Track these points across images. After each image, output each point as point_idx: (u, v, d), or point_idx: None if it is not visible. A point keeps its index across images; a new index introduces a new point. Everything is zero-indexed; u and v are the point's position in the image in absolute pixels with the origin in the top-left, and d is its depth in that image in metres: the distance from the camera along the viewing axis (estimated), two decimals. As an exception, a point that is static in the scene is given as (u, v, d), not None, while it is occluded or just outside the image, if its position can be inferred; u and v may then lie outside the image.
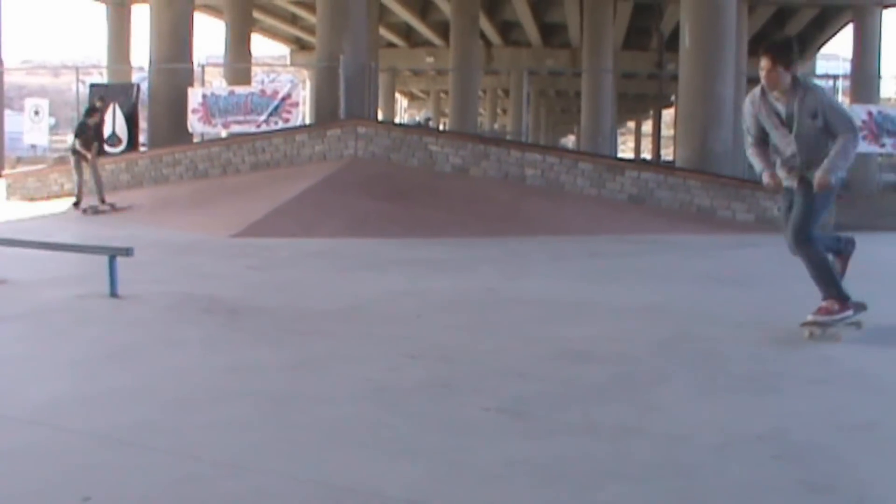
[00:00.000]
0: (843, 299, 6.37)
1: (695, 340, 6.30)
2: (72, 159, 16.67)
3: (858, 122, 17.21)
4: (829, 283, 6.38)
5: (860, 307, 6.46)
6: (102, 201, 15.89)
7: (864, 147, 17.76)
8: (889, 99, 47.40)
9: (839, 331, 6.32)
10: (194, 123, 18.91)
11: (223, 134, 19.23)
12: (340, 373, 5.26)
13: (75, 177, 16.46)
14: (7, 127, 24.28)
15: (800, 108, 6.11)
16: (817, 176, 6.11)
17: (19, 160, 26.87)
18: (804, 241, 6.27)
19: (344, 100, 17.77)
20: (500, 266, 10.37)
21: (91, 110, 16.99)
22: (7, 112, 26.28)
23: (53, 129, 29.46)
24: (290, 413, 4.42)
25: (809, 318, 6.35)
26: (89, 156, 16.17)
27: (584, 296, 8.33)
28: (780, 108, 6.24)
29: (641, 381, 5.15)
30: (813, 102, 6.09)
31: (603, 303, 7.94)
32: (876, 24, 28.87)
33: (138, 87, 20.80)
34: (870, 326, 6.56)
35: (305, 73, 40.53)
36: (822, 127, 6.09)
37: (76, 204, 16.16)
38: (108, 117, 18.99)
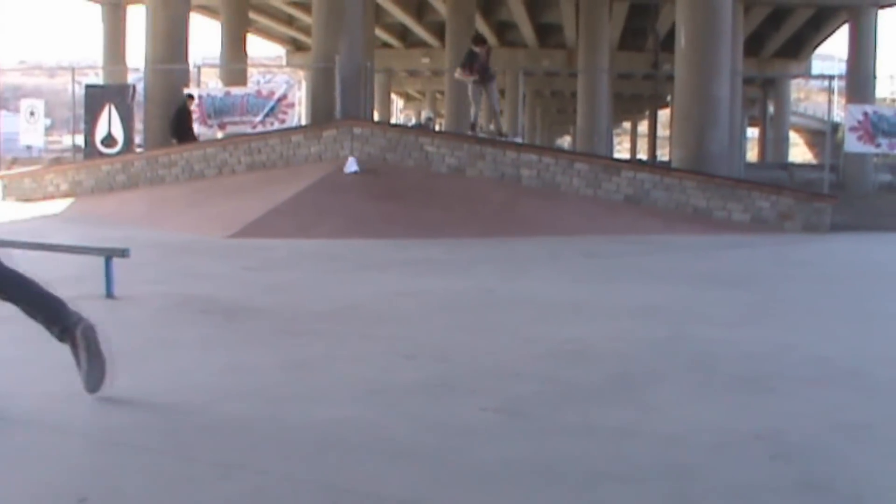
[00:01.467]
0: None
1: (691, 341, 6.31)
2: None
3: (854, 122, 17.33)
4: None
5: None
6: None
7: (859, 147, 17.83)
8: (885, 99, 47.49)
9: None
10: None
11: (219, 135, 19.22)
12: (337, 373, 5.25)
13: None
14: (2, 128, 24.26)
15: None
16: None
17: (15, 161, 26.80)
18: None
19: (340, 100, 17.78)
20: (497, 266, 10.38)
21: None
22: (2, 113, 26.29)
23: (49, 130, 29.41)
24: (287, 414, 4.41)
25: None
26: None
27: (580, 296, 8.34)
28: None
29: (638, 382, 5.15)
30: None
31: (599, 303, 7.95)
32: (871, 24, 28.90)
33: (134, 87, 20.79)
34: (866, 326, 6.56)
35: (301, 73, 40.55)
36: None
37: None
38: (103, 118, 19.00)
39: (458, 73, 16.80)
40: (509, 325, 6.85)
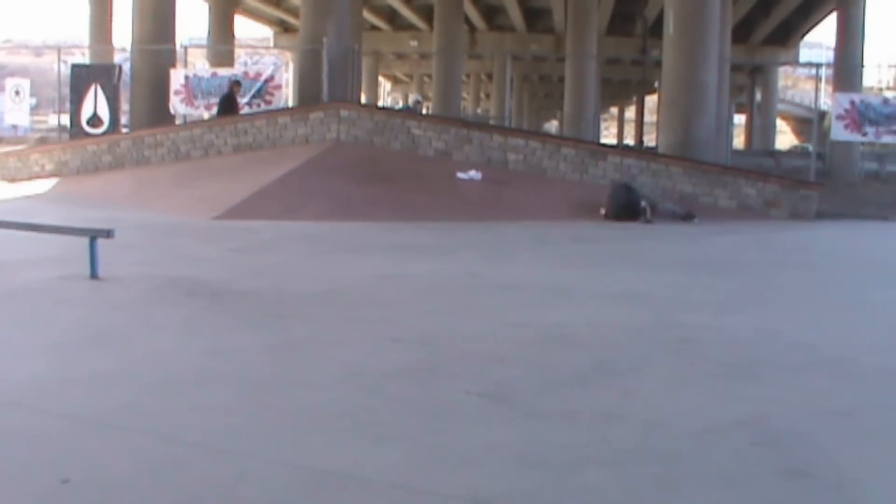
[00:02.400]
0: None
1: (675, 327, 6.33)
2: None
3: (841, 111, 17.37)
4: None
5: None
6: None
7: (846, 135, 17.88)
8: (872, 88, 47.64)
9: None
10: (177, 105, 18.83)
11: (205, 116, 19.14)
12: (322, 356, 5.26)
13: None
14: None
15: None
16: None
17: (0, 140, 26.67)
18: None
19: (327, 83, 17.71)
20: (483, 250, 10.38)
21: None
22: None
23: (35, 110, 29.23)
24: (271, 396, 4.42)
25: None
26: None
27: (565, 281, 8.35)
28: None
29: (621, 367, 5.17)
30: None
31: (584, 288, 7.96)
32: (860, 12, 28.91)
33: (120, 67, 20.65)
34: (851, 314, 6.59)
35: (289, 55, 40.35)
36: None
37: None
38: (89, 98, 18.90)
39: None
40: (495, 309, 6.86)
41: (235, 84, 18.49)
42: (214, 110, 18.51)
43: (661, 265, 9.75)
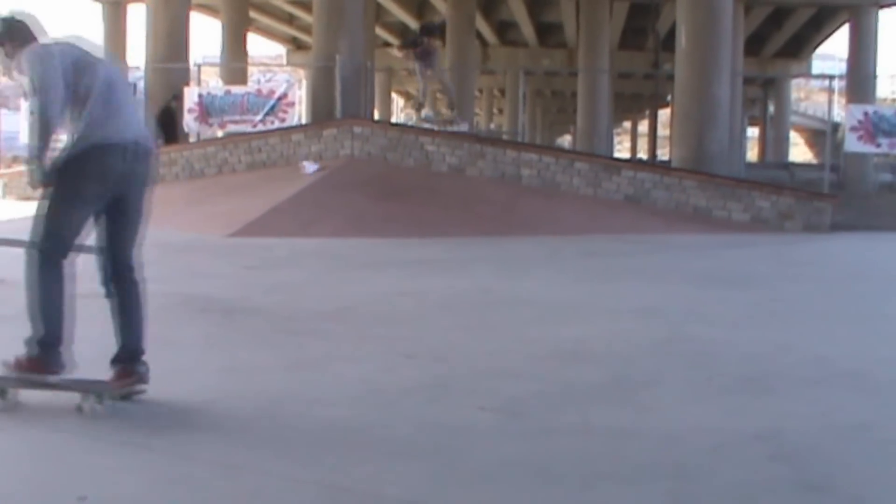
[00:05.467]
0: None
1: (690, 341, 6.31)
2: None
3: (854, 122, 17.30)
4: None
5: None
6: None
7: (860, 147, 17.81)
8: (885, 99, 47.48)
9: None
10: (190, 123, 18.88)
11: (219, 133, 19.20)
12: (336, 373, 5.26)
13: None
14: (3, 126, 24.24)
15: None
16: None
17: (15, 159, 26.80)
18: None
19: (340, 99, 17.75)
20: (497, 266, 10.37)
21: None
22: (3, 111, 26.25)
23: (50, 129, 29.30)
24: (287, 414, 4.42)
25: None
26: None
27: (580, 296, 8.34)
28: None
29: (637, 382, 5.16)
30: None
31: (599, 303, 7.95)
32: (872, 23, 28.84)
33: (135, 86, 20.74)
34: (867, 327, 6.56)
35: (302, 72, 40.45)
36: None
37: None
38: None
39: (396, 50, 19.13)
40: (508, 325, 6.86)
41: (174, 99, 18.23)
42: (229, 128, 18.55)
43: (676, 279, 9.72)
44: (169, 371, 5.25)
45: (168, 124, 17.83)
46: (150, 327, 6.54)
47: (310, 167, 15.76)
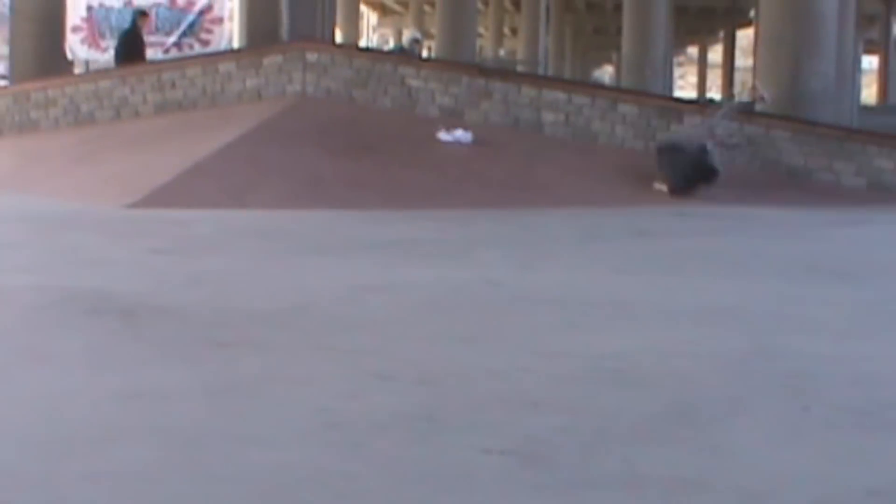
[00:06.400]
0: None
1: (781, 357, 6.31)
2: None
3: None
4: None
5: None
6: None
7: None
8: None
9: None
10: (76, 47, 18.87)
11: (116, 62, 19.17)
12: (282, 401, 5.25)
13: None
14: None
15: None
16: None
17: None
18: None
19: (287, 15, 17.75)
20: (508, 250, 10.38)
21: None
22: None
23: None
24: (210, 458, 4.41)
25: None
26: None
27: (624, 293, 8.34)
28: None
29: (704, 415, 5.16)
30: None
31: (652, 302, 7.95)
32: None
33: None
34: None
35: (234, -25, 40.41)
36: None
37: None
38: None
39: None
40: (524, 333, 6.86)
41: (141, 15, 18.42)
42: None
43: (759, 269, 9.73)
44: (41, 397, 5.24)
45: (133, 52, 17.88)
46: (16, 335, 6.54)
47: (453, 136, 15.39)
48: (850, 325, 7.30)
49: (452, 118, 15.91)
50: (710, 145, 14.10)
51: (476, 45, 33.82)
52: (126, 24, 18.21)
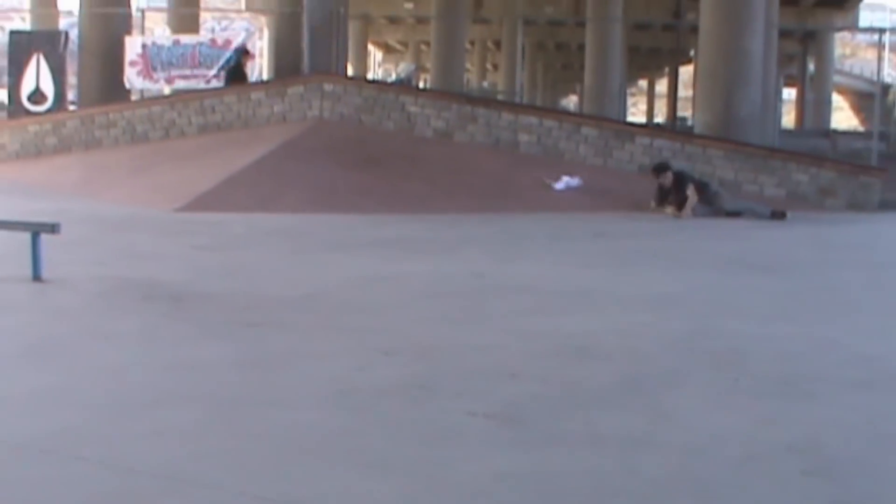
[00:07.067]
0: None
1: (715, 336, 6.31)
2: None
3: None
4: None
5: None
6: None
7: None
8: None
9: None
10: (132, 78, 18.79)
11: (166, 91, 19.11)
12: (301, 372, 5.25)
13: None
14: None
15: None
16: None
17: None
18: None
19: (308, 52, 17.69)
20: (490, 247, 10.37)
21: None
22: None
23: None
24: (242, 419, 4.41)
25: None
26: None
27: (587, 283, 8.34)
28: None
29: (653, 384, 5.16)
30: None
31: (610, 291, 7.95)
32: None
33: (67, 34, 20.61)
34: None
35: (263, 20, 40.33)
36: None
37: None
38: (30, 70, 18.88)
39: None
40: (504, 315, 6.85)
41: (245, 54, 18.45)
42: (177, 84, 18.47)
43: (699, 264, 9.74)
44: (106, 368, 5.24)
45: (238, 80, 17.87)
46: (83, 317, 6.53)
47: (563, 183, 14.79)
48: (774, 310, 7.30)
49: (444, 137, 15.90)
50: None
51: (464, 77, 33.83)
52: (229, 62, 18.13)
